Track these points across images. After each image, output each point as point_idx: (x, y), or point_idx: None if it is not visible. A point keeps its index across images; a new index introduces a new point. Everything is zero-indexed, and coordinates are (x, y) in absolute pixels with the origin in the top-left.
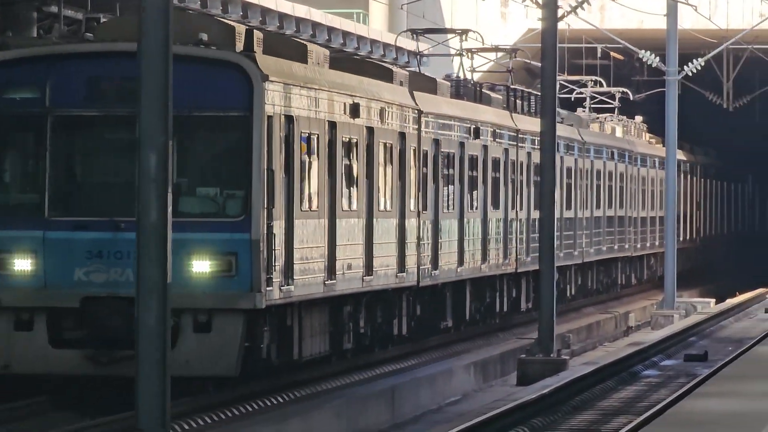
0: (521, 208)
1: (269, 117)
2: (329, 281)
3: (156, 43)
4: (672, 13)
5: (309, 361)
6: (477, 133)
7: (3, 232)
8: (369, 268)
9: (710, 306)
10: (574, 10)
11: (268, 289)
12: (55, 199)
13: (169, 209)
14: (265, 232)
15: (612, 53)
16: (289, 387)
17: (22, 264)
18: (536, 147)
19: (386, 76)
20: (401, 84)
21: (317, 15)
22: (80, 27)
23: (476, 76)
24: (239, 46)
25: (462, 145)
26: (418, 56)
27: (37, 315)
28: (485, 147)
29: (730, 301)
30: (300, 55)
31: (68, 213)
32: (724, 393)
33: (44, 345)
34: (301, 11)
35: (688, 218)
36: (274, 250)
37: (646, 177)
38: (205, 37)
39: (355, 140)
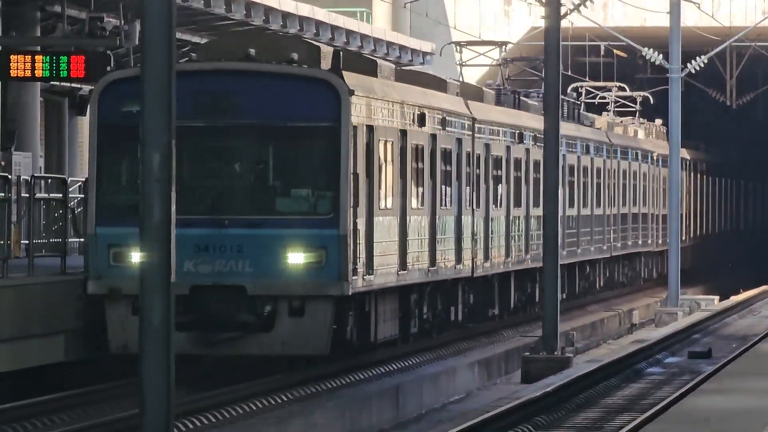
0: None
1: (354, 127)
2: (401, 272)
3: (159, 43)
4: (675, 11)
5: (383, 343)
6: (521, 138)
7: (121, 229)
8: (433, 260)
9: (714, 303)
10: (577, 7)
11: (353, 278)
12: None
13: (173, 208)
14: (351, 228)
15: (615, 51)
16: (293, 385)
17: (138, 257)
18: (570, 150)
19: (441, 86)
20: (456, 94)
21: (321, 14)
22: (84, 26)
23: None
24: (324, 63)
25: (508, 148)
26: (461, 66)
27: None
28: (527, 150)
29: (734, 298)
30: (371, 69)
31: (178, 212)
32: (728, 390)
33: None
34: (304, 10)
35: (697, 215)
36: (358, 244)
37: (659, 176)
38: (296, 56)
39: (421, 146)
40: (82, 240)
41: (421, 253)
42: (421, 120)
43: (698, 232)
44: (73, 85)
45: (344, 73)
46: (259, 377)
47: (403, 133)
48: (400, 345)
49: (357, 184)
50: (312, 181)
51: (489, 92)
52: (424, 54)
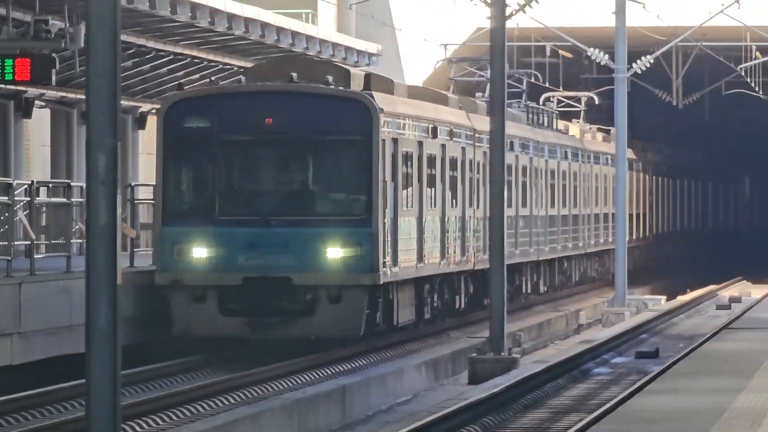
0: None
1: (383, 140)
2: (419, 265)
3: (104, 45)
4: (621, 11)
5: (402, 327)
6: (512, 146)
7: (183, 228)
8: (443, 254)
9: (661, 303)
10: (522, 8)
11: (383, 270)
12: (223, 202)
13: (119, 211)
14: (381, 227)
15: (561, 51)
16: (240, 387)
17: (199, 252)
18: (553, 156)
19: (444, 100)
20: (459, 108)
21: (266, 16)
22: (29, 29)
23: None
24: (354, 84)
25: None
26: (453, 80)
27: (209, 291)
28: (517, 157)
29: (681, 298)
30: (389, 88)
31: (232, 213)
32: (675, 390)
33: (215, 314)
34: (250, 12)
35: (641, 216)
36: (387, 241)
37: (601, 174)
38: (330, 78)
39: (434, 155)
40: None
41: (434, 248)
42: (434, 132)
43: (646, 233)
44: (19, 87)
45: (376, 94)
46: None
47: (420, 144)
48: (412, 328)
49: (386, 188)
50: (347, 187)
51: (482, 104)
52: (370, 55)
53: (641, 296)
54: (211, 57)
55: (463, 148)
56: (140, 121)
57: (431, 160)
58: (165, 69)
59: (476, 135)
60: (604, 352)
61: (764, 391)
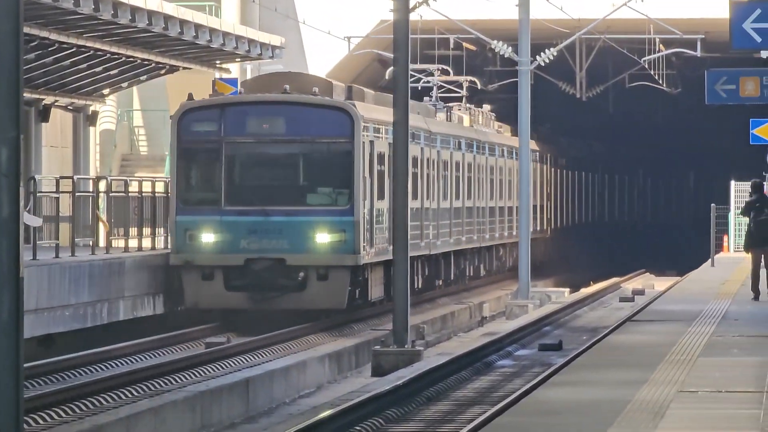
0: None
1: (362, 143)
2: (390, 248)
3: (6, 37)
4: (524, 3)
5: (375, 302)
6: (459, 145)
7: (194, 217)
8: (434, 237)
9: (564, 295)
10: (426, 0)
11: (363, 253)
12: (228, 195)
13: (21, 203)
14: (362, 217)
15: (464, 44)
16: (142, 380)
17: (207, 237)
18: (446, 147)
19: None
20: (417, 113)
21: (169, 8)
22: None
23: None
24: (335, 93)
25: (451, 154)
26: (436, 88)
27: (216, 270)
28: (463, 155)
29: (585, 291)
30: (361, 96)
31: (236, 204)
32: (579, 382)
33: (221, 290)
34: (152, 4)
35: (543, 209)
36: (366, 228)
37: (496, 166)
38: (317, 90)
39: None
40: None
41: (421, 233)
42: (412, 137)
43: (549, 225)
44: None
45: (358, 103)
46: (108, 371)
47: (390, 145)
48: (384, 303)
49: (365, 184)
50: (333, 182)
51: (432, 109)
52: (274, 48)
53: (545, 288)
54: (114, 49)
55: (422, 148)
56: (43, 114)
57: (414, 160)
58: (68, 62)
59: (431, 136)
60: (508, 344)
61: (667, 384)
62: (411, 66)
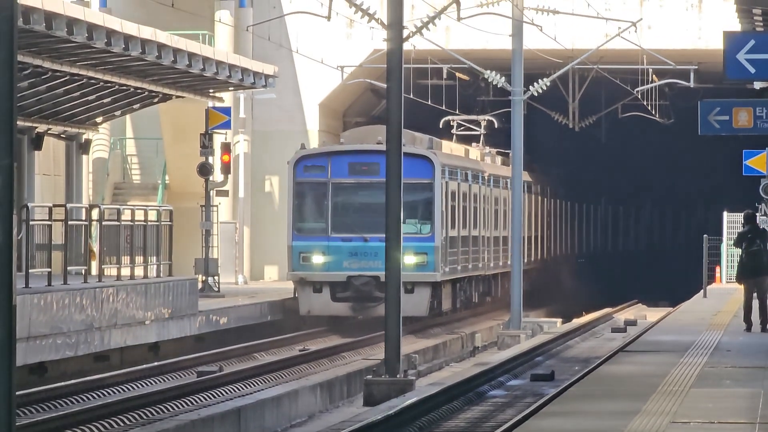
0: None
1: (441, 183)
2: (463, 267)
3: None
4: (518, 34)
5: (447, 312)
6: (491, 181)
7: (306, 242)
8: (478, 261)
9: (557, 326)
10: (419, 30)
11: (440, 271)
12: (333, 225)
13: (14, 231)
14: (441, 242)
15: (457, 74)
16: (134, 408)
17: (317, 258)
18: (501, 187)
19: (467, 151)
20: (478, 156)
21: (162, 37)
22: None
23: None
24: (417, 143)
25: (491, 190)
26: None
27: (324, 285)
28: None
29: (577, 321)
30: (438, 145)
31: (340, 232)
32: (571, 412)
33: (328, 300)
34: (146, 33)
35: (538, 239)
36: (444, 251)
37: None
38: (404, 140)
39: (465, 192)
40: None
41: (474, 257)
42: (465, 176)
43: (541, 256)
44: None
45: (438, 152)
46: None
47: (458, 185)
48: (451, 314)
49: (443, 216)
50: (418, 214)
51: (482, 151)
52: (267, 77)
53: (537, 319)
54: (107, 78)
55: (478, 186)
56: (36, 142)
57: (464, 195)
58: (61, 90)
59: (482, 175)
60: (500, 374)
61: (660, 414)
62: (462, 117)
